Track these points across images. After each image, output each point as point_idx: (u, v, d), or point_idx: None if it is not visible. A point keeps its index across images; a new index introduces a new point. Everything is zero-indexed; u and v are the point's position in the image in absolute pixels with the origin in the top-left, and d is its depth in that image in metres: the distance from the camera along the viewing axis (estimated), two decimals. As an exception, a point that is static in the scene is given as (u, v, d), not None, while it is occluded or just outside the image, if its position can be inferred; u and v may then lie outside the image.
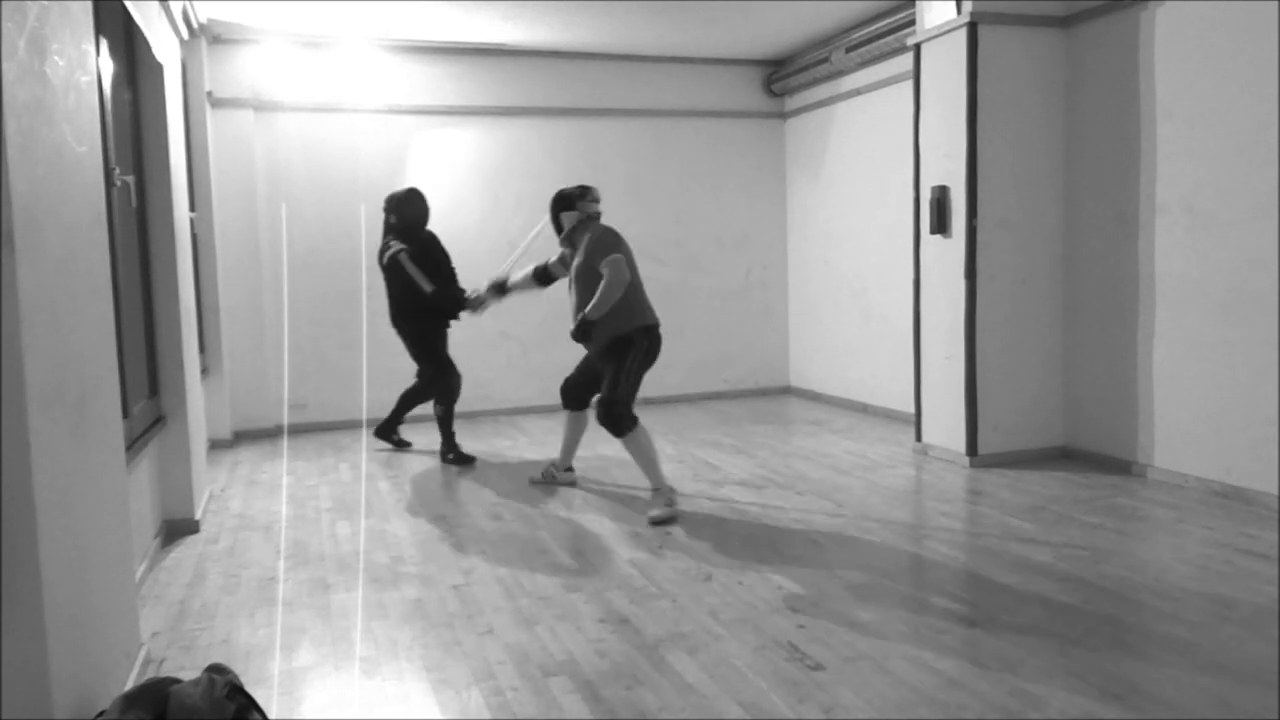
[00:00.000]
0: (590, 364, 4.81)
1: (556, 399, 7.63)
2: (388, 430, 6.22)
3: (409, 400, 6.08)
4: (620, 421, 4.46)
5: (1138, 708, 2.48)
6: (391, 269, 5.63)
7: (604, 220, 4.80)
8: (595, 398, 4.72)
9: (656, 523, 4.31)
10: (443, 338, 5.84)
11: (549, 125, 7.50)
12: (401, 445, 6.22)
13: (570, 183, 7.45)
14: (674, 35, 7.00)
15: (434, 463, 5.79)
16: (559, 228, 4.84)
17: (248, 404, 6.79)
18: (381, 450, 6.18)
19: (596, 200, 4.82)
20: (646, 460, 4.52)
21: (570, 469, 5.21)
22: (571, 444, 5.12)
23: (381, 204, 5.82)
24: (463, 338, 5.45)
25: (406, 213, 5.67)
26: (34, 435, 1.87)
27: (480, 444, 6.29)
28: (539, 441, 6.33)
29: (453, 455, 5.79)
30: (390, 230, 5.71)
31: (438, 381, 5.83)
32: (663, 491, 4.48)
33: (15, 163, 1.83)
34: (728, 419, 7.05)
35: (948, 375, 5.38)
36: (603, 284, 4.44)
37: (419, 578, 3.69)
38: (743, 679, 2.71)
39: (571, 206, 4.77)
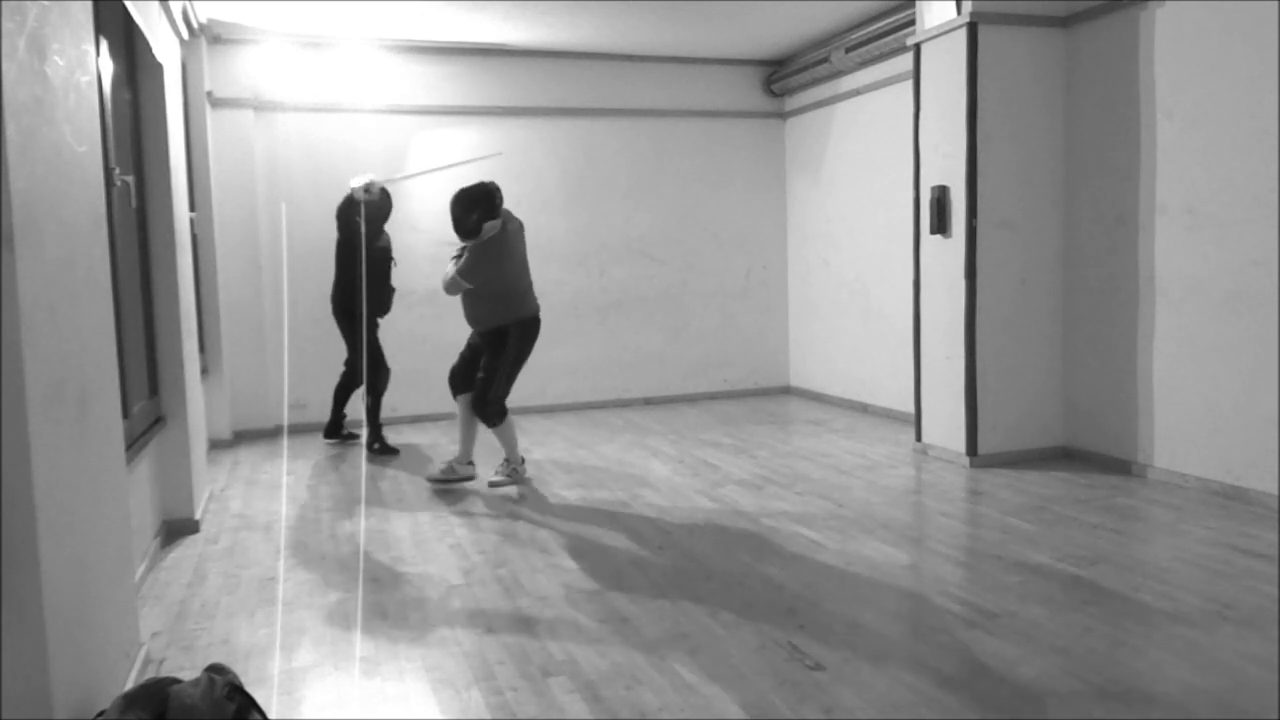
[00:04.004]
0: (474, 350, 5.09)
1: (555, 399, 7.70)
2: (335, 428, 6.43)
3: (342, 393, 6.33)
4: (491, 419, 4.93)
5: (1138, 708, 2.48)
6: (344, 213, 5.79)
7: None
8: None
9: (494, 485, 5.05)
10: (374, 329, 6.08)
11: (549, 125, 7.50)
12: (351, 440, 6.42)
13: (570, 184, 7.54)
14: (674, 35, 7.00)
15: (433, 463, 5.78)
16: (475, 232, 4.76)
17: (248, 404, 6.78)
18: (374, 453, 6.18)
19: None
20: (507, 442, 5.09)
21: (470, 462, 5.19)
22: (469, 432, 5.15)
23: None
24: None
25: (376, 207, 5.91)
26: (34, 435, 1.87)
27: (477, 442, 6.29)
28: (539, 441, 6.32)
29: (378, 445, 6.08)
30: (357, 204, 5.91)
31: (366, 371, 6.03)
32: (511, 463, 5.11)
33: (15, 163, 1.83)
34: (728, 419, 7.05)
35: (948, 375, 5.38)
36: (453, 271, 4.84)
37: (419, 578, 3.69)
38: (743, 679, 2.71)
39: (495, 214, 4.78)
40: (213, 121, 6.51)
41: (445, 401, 7.18)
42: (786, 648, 2.91)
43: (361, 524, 4.48)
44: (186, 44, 5.76)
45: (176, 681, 2.11)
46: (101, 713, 2.03)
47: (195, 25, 5.89)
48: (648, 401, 7.87)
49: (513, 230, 4.93)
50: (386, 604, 3.41)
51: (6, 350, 1.81)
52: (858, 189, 7.17)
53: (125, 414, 3.55)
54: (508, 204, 4.79)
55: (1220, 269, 4.46)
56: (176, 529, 4.38)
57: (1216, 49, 4.43)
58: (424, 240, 7.20)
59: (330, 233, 6.97)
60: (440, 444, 6.36)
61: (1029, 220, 5.28)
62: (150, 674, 2.74)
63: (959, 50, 5.14)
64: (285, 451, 6.27)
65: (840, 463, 5.48)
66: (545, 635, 3.07)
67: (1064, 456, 5.38)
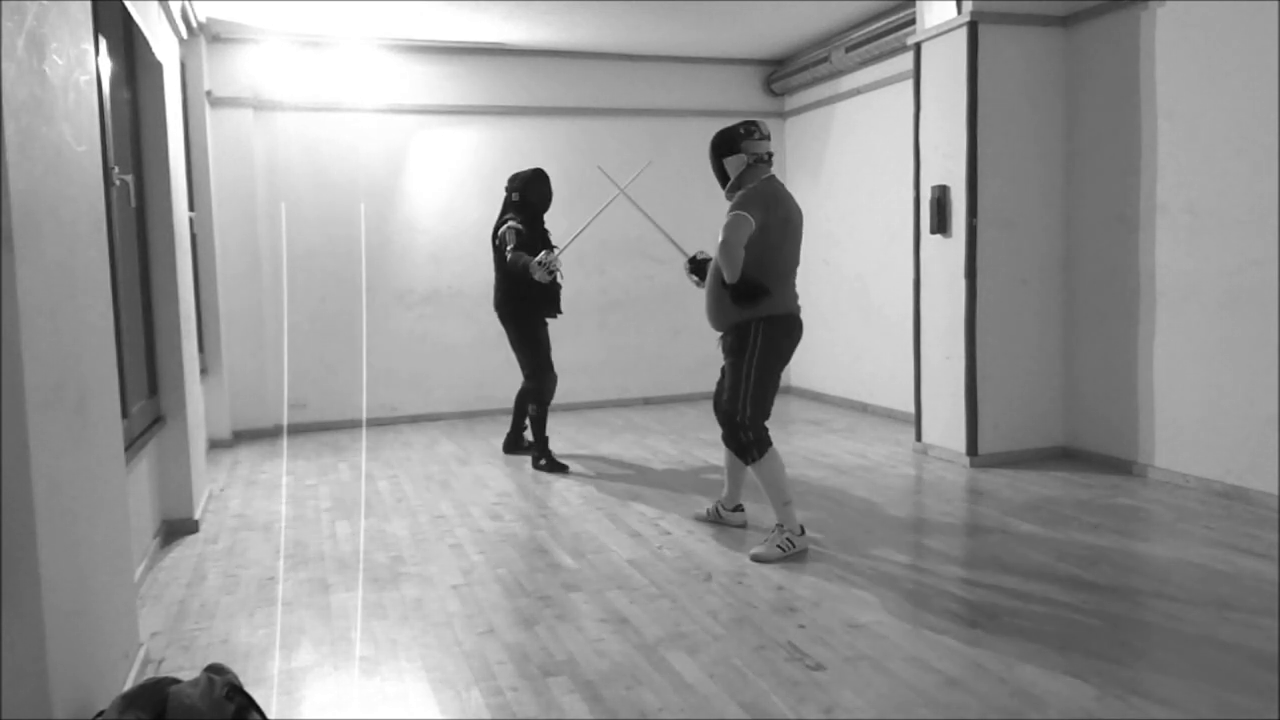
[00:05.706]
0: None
1: (554, 399, 7.61)
2: (514, 443, 5.94)
3: (521, 402, 5.83)
4: (746, 449, 3.80)
5: (1138, 708, 2.48)
6: (500, 243, 5.41)
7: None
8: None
9: (758, 559, 3.73)
10: (542, 330, 5.52)
11: (549, 125, 7.50)
12: (528, 450, 5.78)
13: (570, 183, 7.53)
14: (674, 35, 7.00)
15: (434, 463, 5.78)
16: (724, 179, 3.97)
17: (248, 404, 6.78)
18: (383, 452, 6.18)
19: (766, 136, 3.92)
20: (774, 492, 3.80)
21: (739, 508, 4.29)
22: (737, 472, 4.19)
23: (507, 185, 5.62)
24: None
25: (529, 193, 5.49)
26: (34, 435, 1.87)
27: (490, 440, 6.29)
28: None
29: (544, 461, 5.48)
30: (510, 208, 5.51)
31: (533, 380, 5.50)
32: (785, 528, 3.78)
33: (15, 163, 1.83)
34: (728, 419, 7.04)
35: (948, 375, 5.38)
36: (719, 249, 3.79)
37: (419, 578, 3.69)
38: (743, 679, 2.71)
39: (735, 149, 3.88)
40: (212, 121, 6.50)
41: (445, 401, 7.22)
42: (786, 648, 2.91)
43: (361, 524, 4.48)
44: (186, 43, 5.76)
45: (176, 681, 2.11)
46: (101, 713, 2.03)
47: (194, 24, 5.89)
48: (647, 401, 7.87)
49: (788, 202, 4.00)
50: (386, 604, 3.41)
51: (6, 350, 1.81)
52: (858, 189, 7.17)
53: (124, 414, 3.55)
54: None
55: (1220, 269, 4.46)
56: (176, 529, 4.38)
57: (1216, 49, 4.42)
58: (424, 240, 7.20)
59: (330, 232, 7.00)
60: (439, 442, 6.35)
61: (1029, 220, 5.28)
62: (150, 674, 2.74)
63: (959, 50, 5.14)
64: (285, 451, 6.27)
65: (840, 463, 5.48)
66: (545, 635, 3.07)
67: (1064, 456, 5.38)
